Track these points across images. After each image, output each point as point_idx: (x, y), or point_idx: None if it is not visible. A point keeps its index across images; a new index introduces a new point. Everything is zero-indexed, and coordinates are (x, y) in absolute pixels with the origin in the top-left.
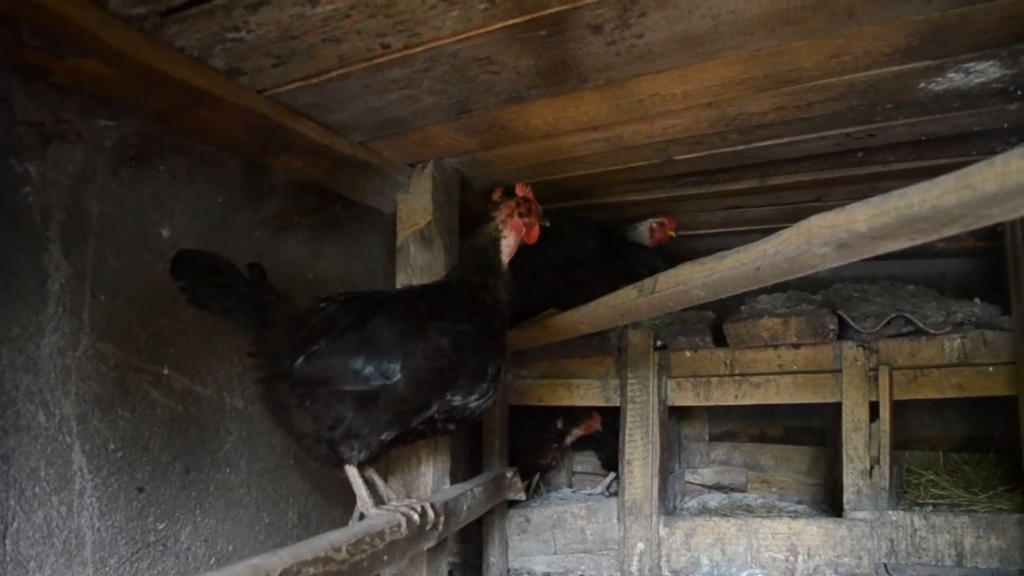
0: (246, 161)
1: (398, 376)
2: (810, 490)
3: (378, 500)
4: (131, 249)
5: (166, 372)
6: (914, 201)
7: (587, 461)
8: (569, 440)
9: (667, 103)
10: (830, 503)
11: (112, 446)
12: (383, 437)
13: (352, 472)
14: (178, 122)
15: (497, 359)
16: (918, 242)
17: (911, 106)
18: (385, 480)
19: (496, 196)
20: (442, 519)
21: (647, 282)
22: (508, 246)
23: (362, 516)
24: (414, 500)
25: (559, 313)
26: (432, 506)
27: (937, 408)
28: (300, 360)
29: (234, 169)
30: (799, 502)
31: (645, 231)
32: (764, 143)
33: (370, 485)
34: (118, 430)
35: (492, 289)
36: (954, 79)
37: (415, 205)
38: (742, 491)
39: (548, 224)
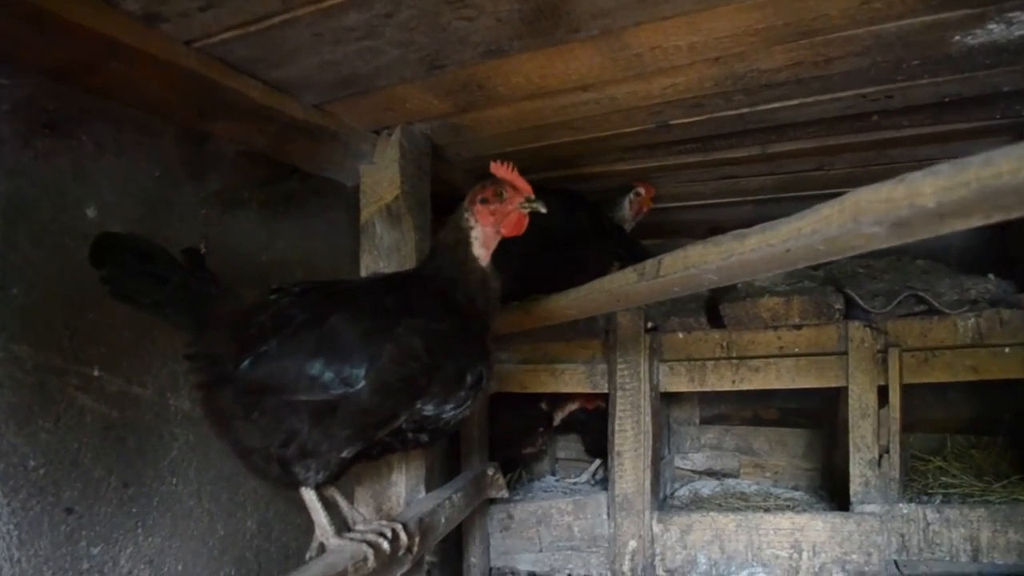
0: (183, 129)
1: (362, 383)
2: (806, 475)
3: (341, 525)
4: (49, 233)
5: (96, 374)
6: (1003, 170)
7: (571, 447)
8: (558, 418)
9: (669, 57)
10: (828, 489)
11: (32, 463)
12: (344, 454)
13: (309, 496)
14: (89, 80)
15: (479, 364)
16: (993, 220)
17: (940, 63)
18: (351, 495)
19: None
20: (417, 539)
21: (649, 264)
22: (479, 238)
23: (322, 547)
24: (383, 522)
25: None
26: (405, 527)
27: (941, 389)
28: (246, 363)
29: (171, 138)
30: (794, 488)
31: (626, 205)
32: (771, 105)
33: (331, 507)
34: (39, 444)
35: (466, 286)
36: (993, 31)
37: (381, 177)
38: (735, 476)
39: (544, 211)
